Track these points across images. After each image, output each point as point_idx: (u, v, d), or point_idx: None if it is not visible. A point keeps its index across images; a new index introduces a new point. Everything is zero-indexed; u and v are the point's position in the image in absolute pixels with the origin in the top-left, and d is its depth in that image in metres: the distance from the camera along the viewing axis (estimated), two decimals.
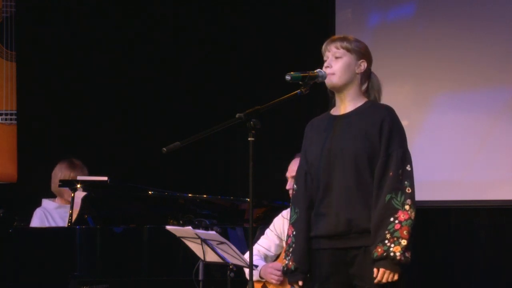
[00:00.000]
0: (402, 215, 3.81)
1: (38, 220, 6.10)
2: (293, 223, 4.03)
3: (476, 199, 6.64)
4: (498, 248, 6.60)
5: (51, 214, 6.10)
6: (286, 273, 4.03)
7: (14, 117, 7.41)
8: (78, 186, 5.85)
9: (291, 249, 4.01)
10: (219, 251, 4.65)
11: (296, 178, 4.10)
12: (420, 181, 6.54)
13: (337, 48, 4.00)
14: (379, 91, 4.08)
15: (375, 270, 3.82)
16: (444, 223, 6.81)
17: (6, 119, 7.39)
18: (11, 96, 7.40)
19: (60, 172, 6.19)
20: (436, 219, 6.84)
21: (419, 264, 6.82)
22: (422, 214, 6.77)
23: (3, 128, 7.39)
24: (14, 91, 7.41)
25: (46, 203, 6.17)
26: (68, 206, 6.09)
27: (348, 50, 4.00)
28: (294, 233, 4.01)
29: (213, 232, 4.68)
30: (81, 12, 7.52)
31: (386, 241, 3.79)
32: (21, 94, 7.42)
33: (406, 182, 3.86)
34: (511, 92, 6.55)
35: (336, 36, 4.07)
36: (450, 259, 6.74)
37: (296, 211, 4.03)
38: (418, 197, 6.49)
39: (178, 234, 4.76)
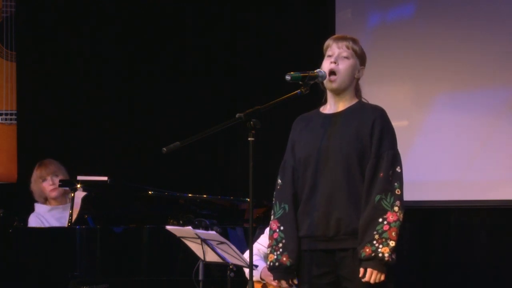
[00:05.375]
0: (391, 216, 3.81)
1: (34, 225, 6.11)
2: (278, 218, 4.01)
3: (476, 199, 6.64)
4: (498, 248, 6.60)
5: (45, 217, 6.10)
6: (278, 268, 3.98)
7: (14, 117, 7.41)
8: (78, 186, 5.85)
9: (280, 245, 3.97)
10: (219, 251, 4.65)
11: (281, 173, 4.06)
12: (420, 181, 6.63)
13: (347, 48, 3.98)
14: (361, 97, 4.09)
15: (361, 270, 3.82)
16: (444, 223, 6.81)
17: (6, 119, 7.39)
18: (11, 96, 7.41)
19: (32, 177, 6.22)
20: (436, 219, 6.84)
21: (419, 264, 6.82)
22: (422, 214, 6.81)
23: (3, 128, 7.39)
24: (14, 91, 7.41)
25: (38, 207, 6.18)
26: (61, 206, 6.12)
27: (355, 53, 4.00)
28: (282, 228, 3.98)
29: (213, 232, 4.68)
30: (81, 12, 7.52)
31: (374, 242, 3.79)
32: (21, 94, 7.42)
33: (396, 184, 3.86)
34: (511, 92, 6.55)
35: (348, 35, 4.05)
36: (450, 259, 6.74)
37: (282, 206, 4.01)
38: (418, 197, 6.58)
39: (178, 234, 4.77)
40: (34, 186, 6.21)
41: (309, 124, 4.05)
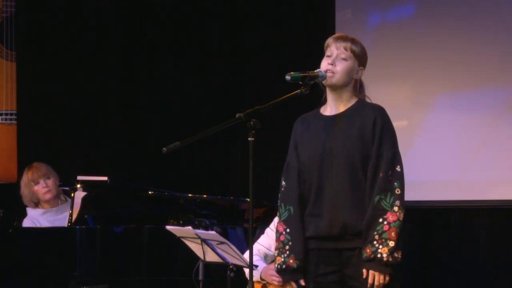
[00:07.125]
0: (390, 216, 3.81)
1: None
2: (284, 220, 4.00)
3: (476, 199, 6.64)
4: (498, 248, 6.60)
5: (39, 220, 6.09)
6: (285, 271, 3.99)
7: (14, 117, 7.41)
8: (78, 186, 5.86)
9: (287, 247, 3.97)
10: (219, 251, 4.65)
11: (285, 174, 4.05)
12: (420, 181, 6.63)
13: (346, 49, 3.97)
14: (364, 96, 4.08)
15: (364, 271, 3.84)
16: (444, 223, 6.81)
17: (6, 119, 7.39)
18: (11, 96, 7.41)
19: (22, 181, 6.20)
20: (436, 219, 6.84)
21: (419, 264, 6.82)
22: (422, 214, 6.81)
23: (3, 128, 7.39)
24: (14, 91, 7.41)
25: (30, 211, 6.16)
26: (54, 209, 6.12)
27: (354, 54, 3.99)
28: (288, 230, 3.98)
29: (213, 232, 4.68)
30: (81, 11, 7.52)
31: (375, 242, 3.80)
32: (21, 94, 7.42)
33: (395, 183, 3.85)
34: (511, 92, 6.55)
35: (348, 35, 4.04)
36: (450, 259, 6.74)
37: (287, 208, 4.00)
38: (418, 197, 6.58)
39: (178, 234, 4.77)
40: (25, 190, 6.16)
41: (310, 125, 4.04)
